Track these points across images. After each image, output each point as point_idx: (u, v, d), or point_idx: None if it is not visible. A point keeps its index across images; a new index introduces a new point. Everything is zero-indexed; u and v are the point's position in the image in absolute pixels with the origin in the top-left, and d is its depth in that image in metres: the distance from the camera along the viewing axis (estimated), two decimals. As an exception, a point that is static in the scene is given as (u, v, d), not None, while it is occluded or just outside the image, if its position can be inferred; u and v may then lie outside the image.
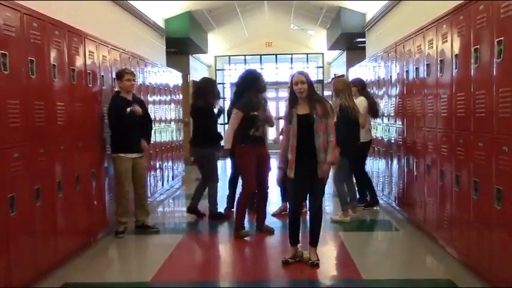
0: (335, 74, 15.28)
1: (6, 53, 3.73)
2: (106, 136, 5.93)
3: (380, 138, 7.73)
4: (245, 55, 18.33)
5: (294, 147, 4.67)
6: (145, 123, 6.08)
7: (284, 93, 16.62)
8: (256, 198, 6.05)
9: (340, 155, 5.85)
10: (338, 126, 5.73)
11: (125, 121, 5.74)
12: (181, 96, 10.72)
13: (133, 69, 6.81)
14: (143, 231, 6.08)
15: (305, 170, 4.69)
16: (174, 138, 9.69)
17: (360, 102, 6.79)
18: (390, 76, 7.06)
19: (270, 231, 6.00)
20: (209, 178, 6.69)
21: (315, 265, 4.71)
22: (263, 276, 4.76)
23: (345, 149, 5.97)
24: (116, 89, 6.05)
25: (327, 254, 5.39)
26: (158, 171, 8.27)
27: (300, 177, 4.70)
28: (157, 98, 8.36)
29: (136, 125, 5.85)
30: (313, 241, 4.87)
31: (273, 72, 18.06)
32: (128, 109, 5.74)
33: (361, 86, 7.19)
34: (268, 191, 5.99)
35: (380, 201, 7.40)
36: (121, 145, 5.85)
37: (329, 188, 9.65)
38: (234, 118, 5.71)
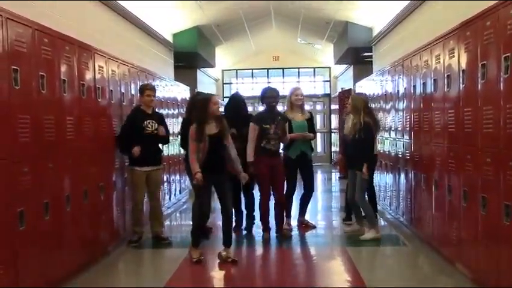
0: (342, 88, 15.32)
1: (17, 68, 3.79)
2: (116, 149, 5.99)
3: (387, 152, 7.73)
4: (252, 69, 18.42)
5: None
6: (161, 138, 6.25)
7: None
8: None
9: (362, 171, 6.06)
10: (362, 143, 6.05)
11: (138, 134, 5.93)
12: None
13: (141, 84, 6.90)
14: (156, 243, 6.18)
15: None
16: (181, 152, 9.70)
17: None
18: (398, 91, 7.07)
19: (289, 233, 6.52)
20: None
21: (234, 262, 5.26)
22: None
23: (370, 165, 6.21)
24: (137, 103, 6.34)
25: (335, 269, 5.38)
26: (165, 184, 8.29)
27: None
28: (164, 111, 8.40)
29: (149, 139, 6.02)
30: (228, 241, 5.43)
31: (280, 86, 18.10)
32: (147, 131, 6.01)
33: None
34: (283, 200, 6.42)
35: (388, 216, 7.37)
36: (136, 159, 5.99)
37: (337, 202, 9.69)
38: (251, 131, 6.17)
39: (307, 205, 7.09)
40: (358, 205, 6.37)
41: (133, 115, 6.10)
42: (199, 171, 5.11)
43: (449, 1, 6.50)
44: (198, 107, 5.40)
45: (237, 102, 6.72)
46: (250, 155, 6.12)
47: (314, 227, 6.99)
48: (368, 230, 6.26)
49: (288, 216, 6.82)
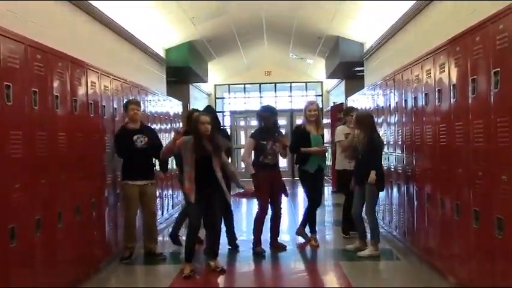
0: (334, 103, 15.38)
1: (10, 84, 3.78)
2: (108, 165, 5.98)
3: (379, 166, 7.73)
4: (245, 84, 18.47)
5: None
6: (153, 151, 6.11)
7: (283, 121, 16.72)
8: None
9: (372, 186, 6.06)
10: (372, 158, 6.07)
11: (128, 150, 5.96)
12: (181, 125, 10.75)
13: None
14: (149, 259, 6.12)
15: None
16: (174, 167, 9.69)
17: (341, 130, 7.25)
18: (389, 105, 7.12)
19: (283, 248, 6.53)
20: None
21: (223, 271, 5.45)
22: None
23: (380, 179, 6.12)
24: (126, 120, 6.29)
25: (328, 284, 5.36)
26: (158, 199, 8.25)
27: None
28: (157, 126, 8.40)
29: (140, 154, 6.00)
30: (214, 252, 5.60)
31: (272, 100, 18.17)
32: (137, 145, 5.99)
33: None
34: (281, 211, 6.57)
35: (381, 230, 7.36)
36: (127, 173, 6.03)
37: (329, 216, 9.68)
38: (247, 145, 6.55)
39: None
40: (362, 221, 6.32)
41: (119, 135, 6.07)
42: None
43: (440, 17, 6.57)
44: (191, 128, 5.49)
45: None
46: (251, 168, 6.37)
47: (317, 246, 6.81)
48: (364, 245, 6.25)
49: (314, 231, 6.85)
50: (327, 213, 10.17)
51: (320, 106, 17.98)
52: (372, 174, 6.01)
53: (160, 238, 7.01)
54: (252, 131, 6.99)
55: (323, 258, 6.49)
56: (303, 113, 6.95)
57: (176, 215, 9.25)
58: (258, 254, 6.25)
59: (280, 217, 6.58)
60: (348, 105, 10.05)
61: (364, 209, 6.30)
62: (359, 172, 6.24)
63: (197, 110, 7.34)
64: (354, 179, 6.37)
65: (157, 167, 6.73)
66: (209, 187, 5.35)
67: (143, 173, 6.07)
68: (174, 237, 6.84)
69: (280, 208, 6.58)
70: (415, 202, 5.87)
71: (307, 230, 6.90)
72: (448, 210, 4.79)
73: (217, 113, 9.09)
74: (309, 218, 6.85)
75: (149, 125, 7.70)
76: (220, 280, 5.41)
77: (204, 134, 5.32)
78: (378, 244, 6.18)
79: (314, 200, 6.81)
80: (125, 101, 6.60)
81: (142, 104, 7.50)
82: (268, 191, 6.39)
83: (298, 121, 17.25)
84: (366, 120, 6.28)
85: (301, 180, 6.82)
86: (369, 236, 6.30)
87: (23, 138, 3.97)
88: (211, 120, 6.33)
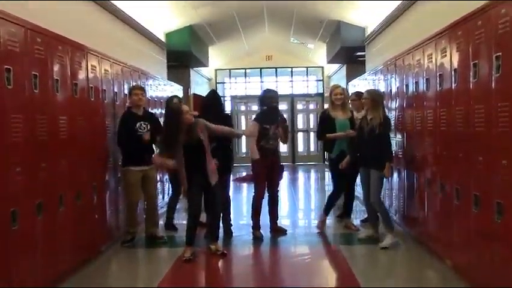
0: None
1: (10, 68, 3.77)
2: (109, 149, 6.00)
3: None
4: (245, 68, 18.42)
5: None
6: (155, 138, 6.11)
7: (284, 106, 16.69)
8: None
9: (380, 172, 5.73)
10: (381, 140, 5.72)
11: (131, 136, 5.94)
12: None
13: (134, 83, 6.90)
14: (150, 242, 6.18)
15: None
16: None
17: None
18: (390, 90, 7.10)
19: (283, 232, 6.56)
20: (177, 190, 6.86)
21: (224, 254, 5.51)
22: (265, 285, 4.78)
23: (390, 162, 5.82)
24: (127, 104, 6.28)
25: (328, 268, 5.41)
26: (158, 184, 8.28)
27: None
28: (157, 111, 8.40)
29: (143, 144, 5.98)
30: (215, 236, 5.72)
31: (273, 85, 18.12)
32: (143, 136, 5.98)
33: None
34: (278, 194, 6.59)
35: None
36: (130, 159, 6.02)
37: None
38: (251, 128, 6.47)
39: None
40: (373, 208, 5.98)
41: (124, 119, 6.06)
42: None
43: (441, 1, 6.53)
44: (170, 118, 5.45)
45: (214, 101, 6.53)
46: (255, 152, 6.27)
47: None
48: (376, 232, 6.05)
49: (349, 216, 6.85)
50: (326, 198, 10.20)
51: (321, 91, 18.00)
52: (387, 168, 5.68)
53: (160, 222, 7.04)
54: (254, 116, 6.92)
55: (322, 242, 6.53)
56: (328, 97, 6.79)
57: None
58: (256, 239, 6.29)
59: (277, 200, 6.60)
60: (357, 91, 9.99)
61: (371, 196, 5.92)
62: (366, 154, 5.88)
63: (176, 97, 7.33)
64: (360, 162, 6.04)
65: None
66: (199, 172, 5.38)
67: (145, 158, 6.05)
68: (169, 225, 6.90)
69: (277, 191, 6.58)
70: (415, 187, 5.88)
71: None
72: (448, 194, 4.81)
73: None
74: (330, 202, 6.80)
75: (149, 109, 7.71)
76: (221, 263, 5.45)
77: (186, 125, 5.31)
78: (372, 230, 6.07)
79: (342, 186, 6.71)
80: (126, 85, 6.61)
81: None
82: (266, 176, 6.37)
83: (299, 106, 17.27)
84: (380, 99, 5.97)
85: (329, 167, 6.75)
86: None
87: (23, 122, 3.98)
88: (217, 106, 6.35)
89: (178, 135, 5.29)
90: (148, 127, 6.07)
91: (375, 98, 5.89)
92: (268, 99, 6.45)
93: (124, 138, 5.99)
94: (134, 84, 6.59)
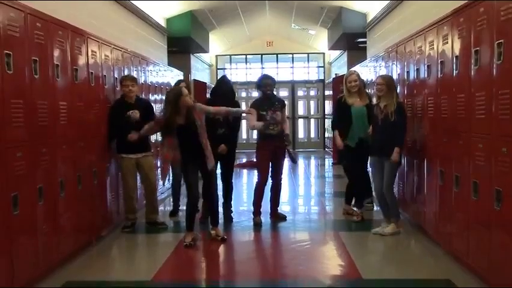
0: (336, 74, 15.32)
1: (10, 52, 3.76)
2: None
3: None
4: (246, 54, 18.38)
5: None
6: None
7: (284, 93, 16.69)
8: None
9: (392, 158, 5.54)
10: (397, 127, 5.52)
11: (122, 124, 5.87)
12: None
13: (134, 69, 6.88)
14: (150, 228, 6.20)
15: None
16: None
17: None
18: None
19: (282, 218, 6.57)
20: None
21: (224, 239, 5.55)
22: (266, 275, 4.81)
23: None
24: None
25: (327, 254, 5.43)
26: (158, 170, 8.30)
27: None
28: (158, 97, 8.39)
29: (134, 127, 5.87)
30: (215, 221, 5.72)
31: (273, 71, 18.08)
32: (128, 113, 5.90)
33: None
34: (281, 181, 6.58)
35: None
36: (122, 146, 5.99)
37: (330, 187, 9.75)
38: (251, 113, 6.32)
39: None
40: (386, 200, 5.73)
41: (114, 107, 6.01)
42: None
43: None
44: (169, 100, 5.37)
45: (223, 86, 6.52)
46: (256, 124, 6.18)
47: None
48: (386, 223, 5.81)
49: (361, 206, 6.71)
50: (327, 184, 10.24)
51: (322, 78, 17.96)
52: (395, 153, 5.48)
53: (161, 208, 7.08)
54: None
55: (322, 229, 6.56)
56: (343, 85, 6.57)
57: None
58: (256, 225, 6.32)
59: (280, 187, 6.61)
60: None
61: (383, 185, 5.72)
62: (381, 142, 5.64)
63: (183, 81, 7.28)
64: (376, 151, 5.77)
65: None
66: (197, 157, 5.37)
67: (138, 146, 5.99)
68: (175, 212, 6.88)
69: (281, 178, 6.60)
70: (415, 174, 5.89)
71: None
72: (447, 181, 4.82)
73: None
74: (350, 192, 6.65)
75: (149, 95, 7.71)
76: (221, 249, 5.48)
77: (185, 107, 5.27)
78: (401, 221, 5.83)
79: (359, 175, 6.57)
80: (126, 71, 6.58)
81: (142, 74, 7.50)
82: (269, 161, 6.37)
83: (300, 92, 17.25)
84: (394, 84, 5.76)
85: (342, 155, 6.65)
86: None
87: (24, 107, 3.97)
88: (226, 92, 6.35)
89: (175, 115, 5.25)
90: (138, 116, 5.94)
91: (391, 84, 5.69)
92: (264, 86, 6.37)
93: (115, 126, 5.92)
94: (125, 74, 6.44)
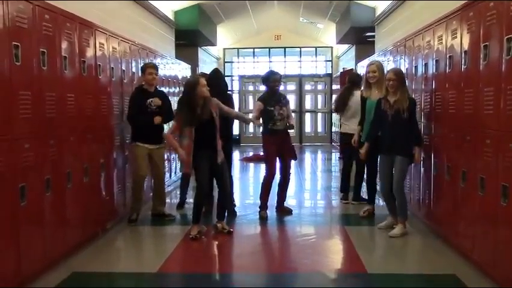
0: (343, 68, 15.26)
1: (18, 44, 3.78)
2: (116, 127, 6.01)
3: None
4: (254, 48, 18.33)
5: None
6: (164, 115, 6.10)
7: (292, 87, 16.66)
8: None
9: (406, 158, 5.39)
10: (409, 123, 5.32)
11: (143, 112, 5.94)
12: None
13: (142, 61, 6.89)
14: (158, 220, 6.22)
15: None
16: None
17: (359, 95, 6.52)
18: (399, 71, 7.03)
19: (288, 212, 6.59)
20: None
21: (230, 232, 5.60)
22: (271, 268, 4.82)
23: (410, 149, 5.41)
24: (135, 83, 6.32)
25: (333, 248, 5.44)
26: (166, 162, 8.32)
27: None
28: (166, 89, 8.40)
29: (152, 118, 5.96)
30: (222, 214, 5.76)
31: (281, 65, 18.05)
32: (149, 100, 5.99)
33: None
34: (290, 176, 6.63)
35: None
36: (138, 135, 6.05)
37: (336, 182, 9.73)
38: (256, 106, 6.48)
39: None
40: (394, 197, 5.55)
41: (135, 95, 6.08)
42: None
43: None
44: (186, 91, 5.42)
45: (217, 81, 6.42)
46: (258, 121, 6.28)
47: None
48: (396, 221, 5.60)
49: (372, 201, 6.47)
50: (333, 178, 10.23)
51: (329, 72, 17.89)
52: (417, 153, 5.35)
53: (168, 200, 7.11)
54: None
55: (328, 223, 6.56)
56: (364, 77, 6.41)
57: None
58: (262, 219, 6.33)
59: (288, 182, 6.63)
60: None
61: (394, 184, 5.50)
62: (392, 139, 5.41)
63: (204, 74, 7.30)
64: (386, 148, 5.51)
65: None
66: (210, 149, 5.41)
67: (154, 137, 6.07)
68: (182, 205, 6.92)
69: (290, 173, 6.61)
70: (422, 169, 5.87)
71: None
72: (454, 177, 4.80)
73: (226, 77, 9.00)
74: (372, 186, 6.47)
75: (157, 88, 7.71)
76: (227, 242, 5.50)
77: (201, 97, 5.31)
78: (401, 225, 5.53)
79: (373, 170, 6.23)
80: (133, 63, 6.59)
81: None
82: (276, 156, 6.40)
83: (307, 86, 17.20)
84: (404, 78, 5.53)
85: (352, 151, 6.64)
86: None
87: (32, 99, 3.99)
88: (220, 85, 6.36)
89: (195, 107, 5.29)
90: (160, 103, 6.04)
91: (402, 78, 5.44)
92: (273, 82, 6.37)
93: (135, 113, 5.98)
94: (147, 61, 6.52)
